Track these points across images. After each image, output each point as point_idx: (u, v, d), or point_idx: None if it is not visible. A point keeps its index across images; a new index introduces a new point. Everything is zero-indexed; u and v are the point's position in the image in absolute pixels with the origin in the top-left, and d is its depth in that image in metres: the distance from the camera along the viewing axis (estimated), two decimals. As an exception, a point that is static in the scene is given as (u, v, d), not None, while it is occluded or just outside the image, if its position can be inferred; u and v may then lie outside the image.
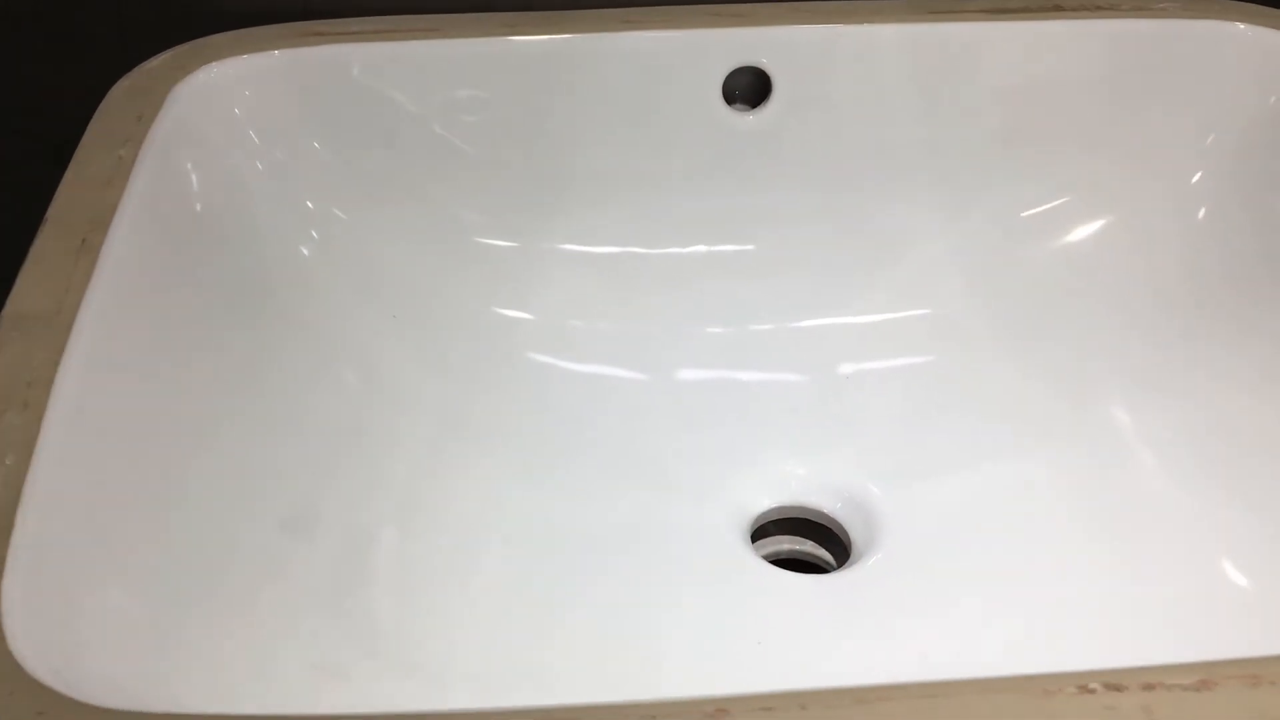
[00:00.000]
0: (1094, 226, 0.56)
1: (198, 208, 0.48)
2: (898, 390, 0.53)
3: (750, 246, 0.56)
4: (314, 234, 0.52)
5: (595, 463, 0.50)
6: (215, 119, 0.50)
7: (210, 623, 0.35)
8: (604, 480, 0.49)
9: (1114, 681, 0.28)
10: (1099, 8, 0.56)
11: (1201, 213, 0.55)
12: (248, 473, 0.41)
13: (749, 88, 0.56)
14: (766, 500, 0.52)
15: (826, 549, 0.53)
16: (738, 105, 0.56)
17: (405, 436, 0.48)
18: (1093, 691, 0.28)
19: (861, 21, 0.55)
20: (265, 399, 0.45)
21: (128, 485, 0.36)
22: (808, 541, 0.53)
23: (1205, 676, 0.29)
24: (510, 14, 0.55)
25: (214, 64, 0.51)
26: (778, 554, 0.52)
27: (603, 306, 0.55)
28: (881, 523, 0.50)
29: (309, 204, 0.52)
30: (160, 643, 0.33)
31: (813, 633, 0.46)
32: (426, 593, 0.42)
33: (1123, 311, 0.54)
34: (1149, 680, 0.28)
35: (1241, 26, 0.55)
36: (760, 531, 0.53)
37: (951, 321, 0.55)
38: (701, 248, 0.56)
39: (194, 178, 0.48)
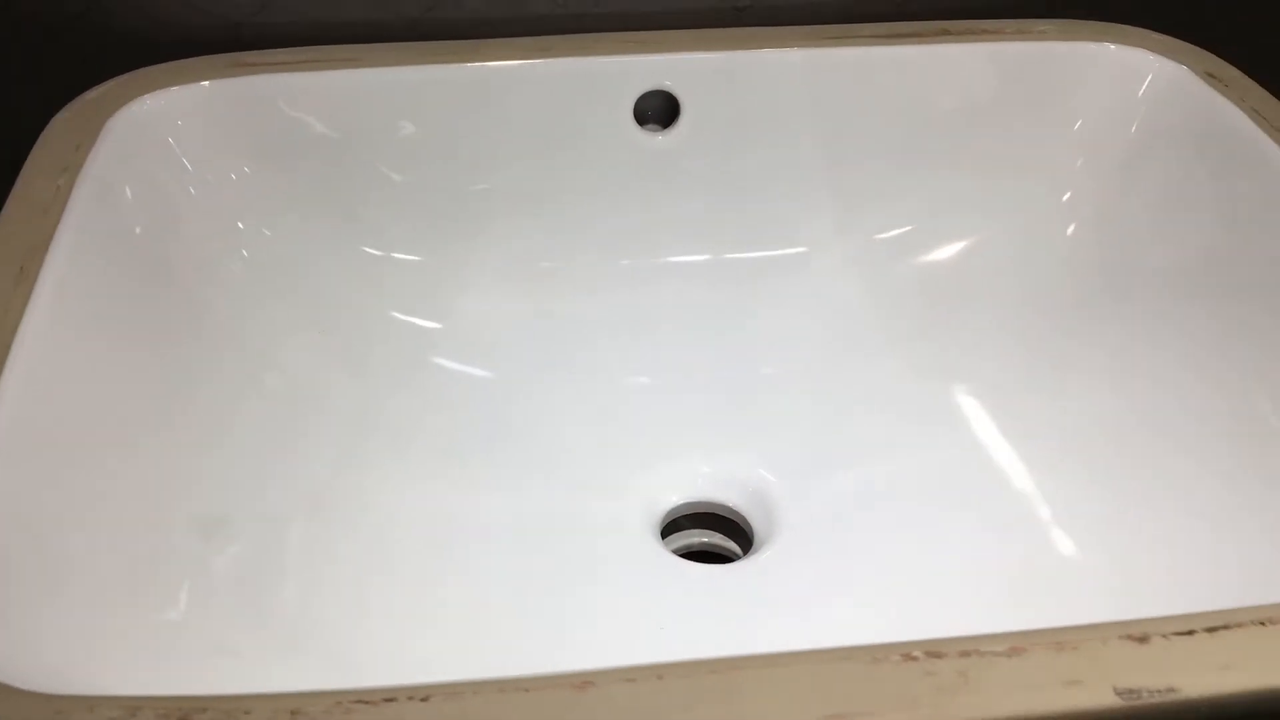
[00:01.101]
0: (976, 238, 0.59)
1: (136, 230, 0.50)
2: (795, 391, 0.56)
3: (660, 257, 0.59)
4: (244, 252, 0.54)
5: (509, 462, 0.52)
6: (150, 147, 0.52)
7: (133, 615, 0.38)
8: (518, 478, 0.52)
9: (935, 650, 0.32)
10: (984, 32, 0.59)
11: (1071, 229, 0.58)
12: (175, 475, 0.44)
13: (659, 110, 0.58)
14: (675, 496, 0.55)
15: (735, 541, 0.56)
16: (649, 126, 0.59)
17: (325, 438, 0.50)
18: (915, 659, 0.32)
19: (762, 47, 0.58)
20: (197, 406, 0.47)
21: (62, 493, 0.39)
22: (717, 534, 0.56)
23: (1016, 644, 0.32)
24: (429, 43, 0.57)
25: (148, 95, 0.52)
26: (689, 547, 0.56)
27: (517, 315, 0.57)
28: (780, 515, 0.53)
29: (240, 224, 0.54)
30: (72, 638, 0.36)
31: (712, 617, 0.49)
32: (338, 583, 0.45)
33: (1000, 317, 0.57)
34: (966, 648, 0.32)
35: (1112, 47, 0.58)
36: (673, 525, 0.56)
37: (845, 326, 0.58)
38: (614, 259, 0.59)
39: (131, 202, 0.50)
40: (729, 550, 0.55)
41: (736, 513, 0.54)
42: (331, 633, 0.42)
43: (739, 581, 0.51)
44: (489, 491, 0.51)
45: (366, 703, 0.30)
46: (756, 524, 0.54)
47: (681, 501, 0.55)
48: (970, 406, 0.55)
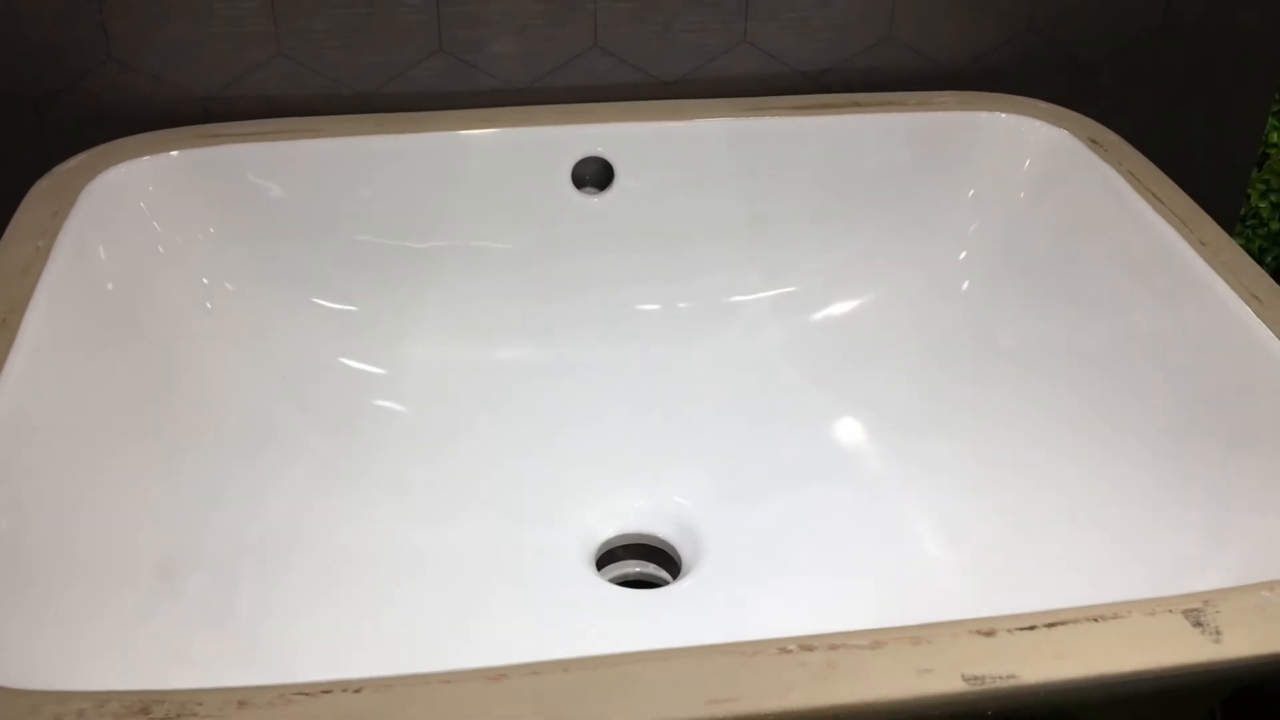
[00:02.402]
0: (883, 291, 0.64)
1: (109, 287, 0.54)
2: (719, 430, 0.61)
3: (594, 308, 0.63)
4: (208, 304, 0.58)
5: (450, 496, 0.57)
6: (123, 212, 0.56)
7: (91, 627, 0.42)
8: (457, 512, 0.56)
9: (806, 644, 0.36)
10: (890, 104, 0.65)
11: (965, 285, 0.63)
12: (142, 502, 0.48)
13: (595, 174, 0.63)
14: (610, 529, 0.59)
15: (666, 569, 0.60)
16: (586, 189, 0.64)
17: (279, 472, 0.54)
18: (789, 652, 0.36)
19: (690, 118, 0.63)
20: (163, 441, 0.51)
21: (41, 519, 0.43)
22: (650, 564, 0.60)
23: (878, 638, 0.37)
24: (383, 115, 0.62)
25: (122, 164, 0.57)
26: (624, 576, 0.60)
27: (461, 361, 0.61)
28: (706, 544, 0.57)
29: (204, 279, 0.58)
30: (47, 639, 0.40)
31: (640, 636, 0.53)
32: (287, 603, 0.49)
33: (903, 362, 0.62)
34: (834, 642, 0.36)
35: (1003, 116, 0.64)
36: (609, 556, 0.60)
37: (766, 370, 0.62)
38: (552, 310, 0.63)
39: (104, 262, 0.54)
40: (660, 578, 0.59)
41: (666, 543, 0.59)
42: (276, 648, 0.46)
43: (665, 604, 0.55)
44: (430, 524, 0.55)
45: (306, 694, 0.34)
46: (684, 552, 0.58)
47: (615, 533, 0.59)
48: (868, 445, 0.59)
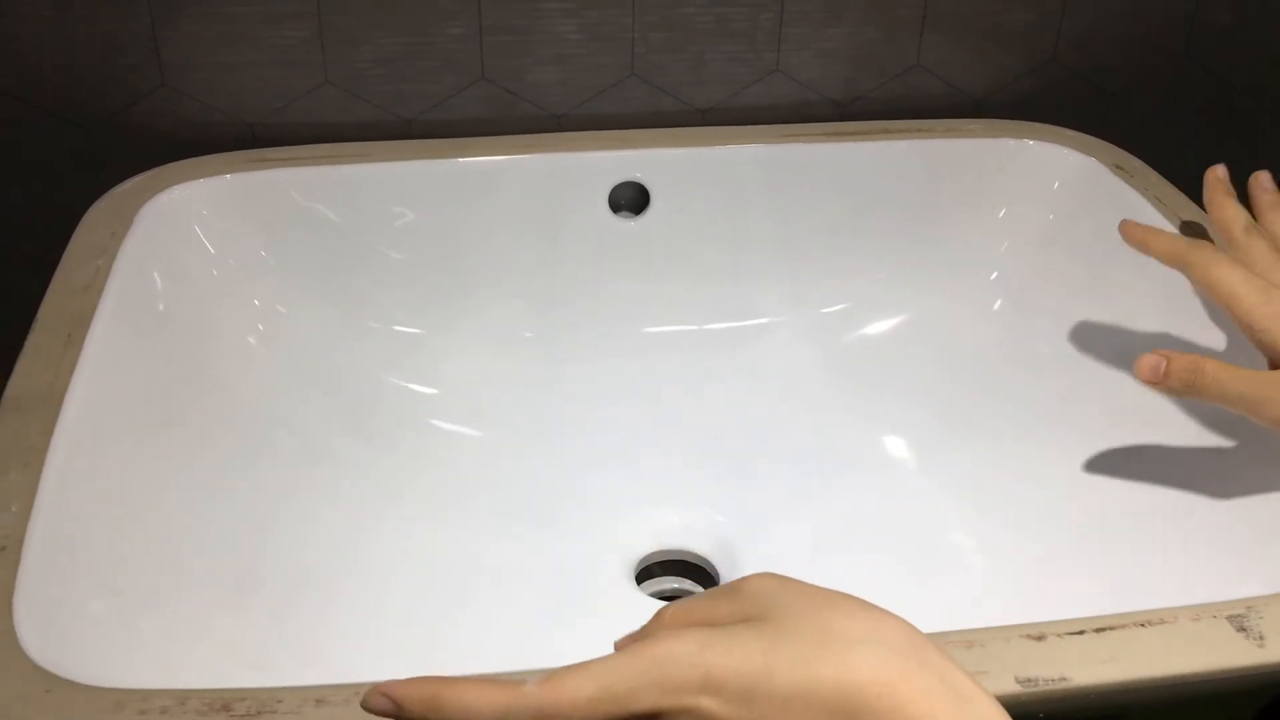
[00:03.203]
0: (914, 312, 0.66)
1: (161, 307, 0.56)
2: (754, 448, 0.62)
3: (631, 329, 0.65)
4: (260, 326, 0.59)
5: (495, 512, 0.58)
6: (177, 233, 0.58)
7: (167, 632, 0.43)
8: (503, 528, 0.57)
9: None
10: (920, 130, 0.67)
11: (997, 304, 0.65)
12: (200, 517, 0.49)
13: (631, 199, 0.65)
14: (648, 544, 0.60)
15: (703, 585, 0.61)
16: (622, 213, 0.65)
17: (331, 491, 0.55)
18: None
19: (723, 144, 0.65)
20: (217, 456, 0.52)
21: (105, 525, 0.44)
22: (687, 580, 0.61)
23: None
24: (426, 141, 0.64)
25: (175, 187, 0.59)
26: (662, 591, 0.60)
27: (505, 382, 0.63)
28: (743, 560, 0.58)
29: (256, 301, 0.60)
30: (126, 643, 0.41)
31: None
32: (344, 615, 0.50)
33: (934, 379, 0.63)
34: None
35: (1031, 143, 0.66)
36: (646, 572, 0.61)
37: (798, 389, 0.63)
38: (590, 331, 0.64)
39: (159, 282, 0.56)
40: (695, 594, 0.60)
41: (703, 559, 0.60)
42: (339, 654, 0.47)
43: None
44: (477, 539, 0.56)
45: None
46: (721, 568, 0.59)
47: (654, 549, 0.60)
48: (903, 460, 0.60)
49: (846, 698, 0.30)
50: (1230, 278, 0.47)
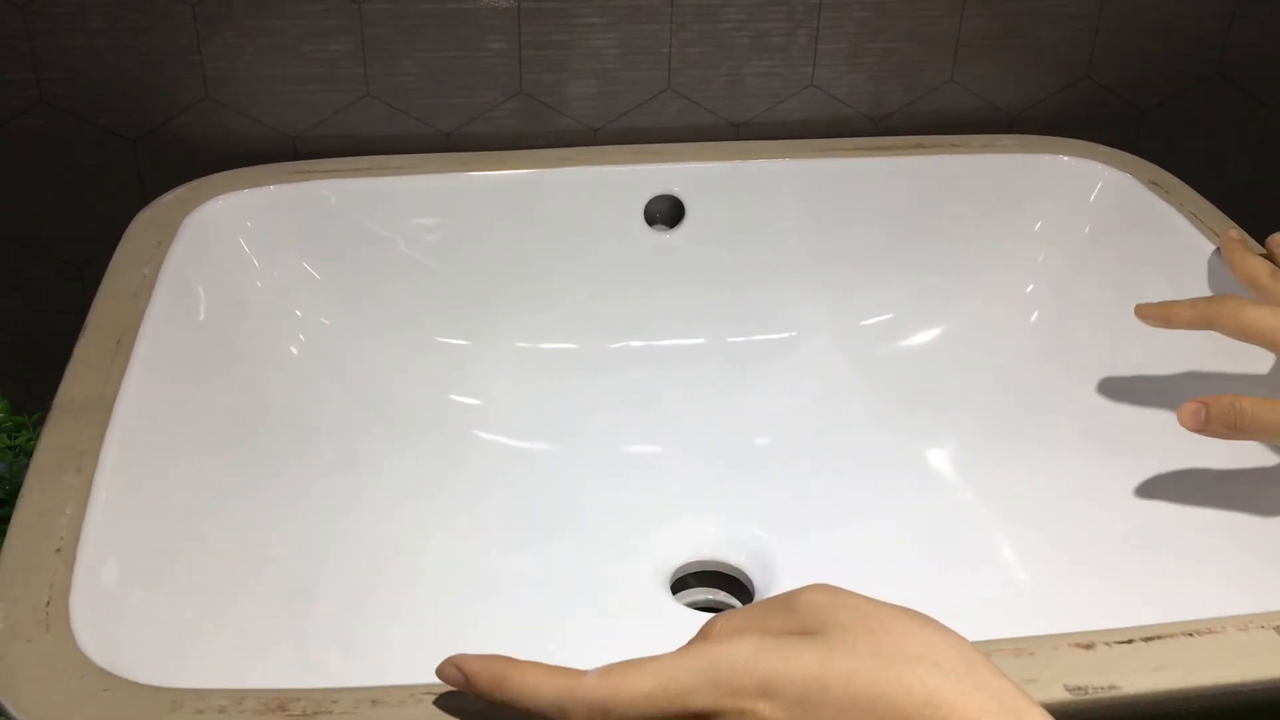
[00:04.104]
0: (950, 325, 0.66)
1: (205, 316, 0.56)
2: (789, 460, 0.62)
3: (667, 340, 0.65)
4: (301, 337, 0.60)
5: (534, 522, 0.58)
6: (220, 244, 0.59)
7: (221, 634, 0.44)
8: (542, 537, 0.58)
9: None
10: (954, 146, 0.67)
11: (1034, 316, 0.65)
12: (248, 519, 0.49)
13: (667, 212, 0.66)
14: (684, 555, 0.60)
15: (738, 597, 0.61)
16: (657, 226, 0.66)
17: (373, 498, 0.56)
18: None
19: (758, 158, 0.65)
20: (262, 462, 0.53)
21: (158, 528, 0.45)
22: (722, 591, 0.62)
23: (981, 650, 0.38)
24: (466, 154, 0.65)
25: (219, 197, 0.59)
26: (697, 602, 0.61)
27: (544, 392, 0.63)
28: (778, 571, 0.59)
29: (298, 312, 0.61)
30: (180, 643, 0.41)
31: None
32: (394, 616, 0.50)
33: (970, 394, 0.63)
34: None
35: (1065, 159, 0.66)
36: (681, 584, 0.61)
37: (833, 402, 0.64)
38: (627, 342, 0.65)
39: (203, 292, 0.57)
40: (732, 605, 0.61)
41: (739, 570, 0.60)
42: (378, 658, 0.48)
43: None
44: (519, 548, 0.57)
45: (432, 694, 0.36)
46: (757, 580, 0.59)
47: (689, 560, 0.60)
48: (943, 472, 0.61)
49: (902, 717, 0.30)
50: (1263, 317, 0.49)
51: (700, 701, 0.31)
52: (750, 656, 0.32)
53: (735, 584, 0.60)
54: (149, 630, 0.40)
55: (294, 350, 0.60)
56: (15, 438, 0.59)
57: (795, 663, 0.31)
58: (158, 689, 0.36)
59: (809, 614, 0.33)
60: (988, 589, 0.53)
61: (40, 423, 0.49)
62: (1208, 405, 0.47)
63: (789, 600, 0.34)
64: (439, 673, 0.34)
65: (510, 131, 0.67)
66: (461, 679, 0.34)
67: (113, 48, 0.61)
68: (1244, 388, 0.52)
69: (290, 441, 0.55)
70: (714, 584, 0.60)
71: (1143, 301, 0.55)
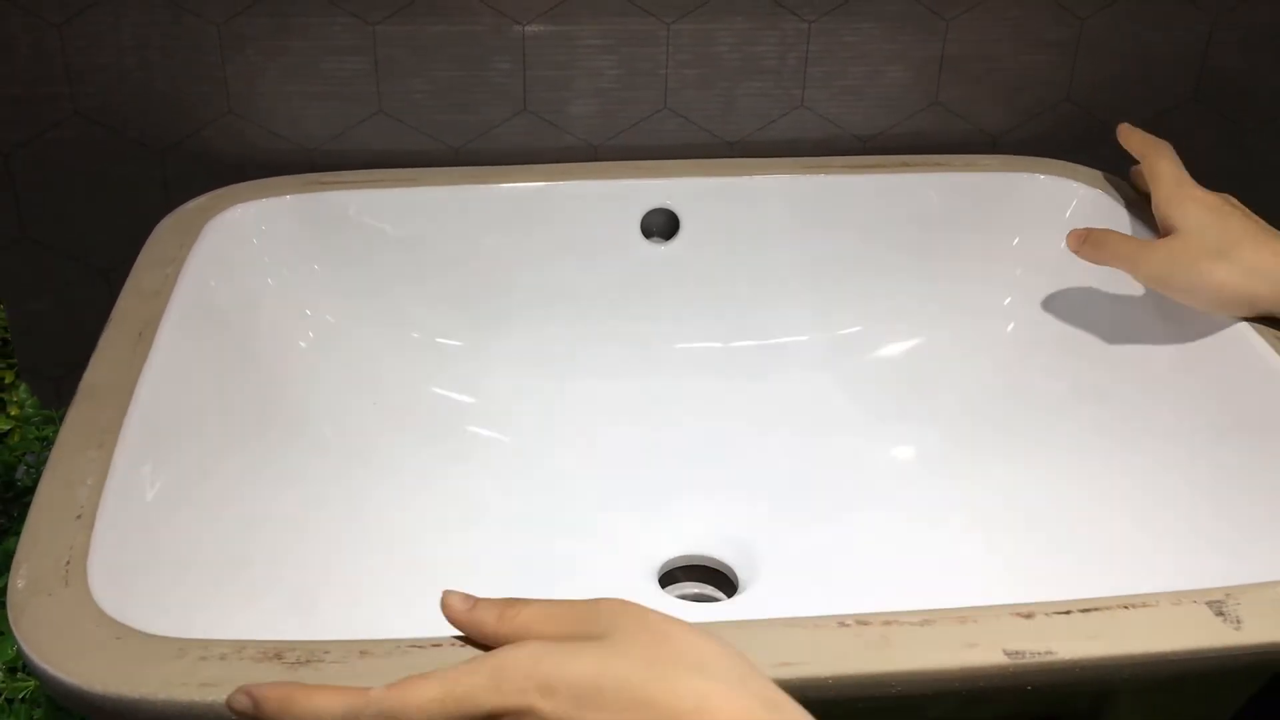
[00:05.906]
0: (931, 335, 0.68)
1: (226, 313, 0.60)
2: (773, 460, 0.65)
3: (659, 348, 0.68)
4: (310, 333, 0.63)
5: (528, 516, 0.61)
6: (239, 247, 0.62)
7: (224, 595, 0.47)
8: (535, 529, 0.60)
9: (863, 619, 0.40)
10: (938, 164, 0.70)
11: (1010, 327, 0.67)
12: (253, 495, 0.53)
13: (662, 225, 0.69)
14: (672, 550, 0.63)
15: (723, 590, 0.63)
16: (653, 239, 0.69)
17: (371, 484, 0.59)
18: (847, 625, 0.40)
19: (751, 174, 0.68)
20: (267, 445, 0.56)
21: (169, 498, 0.48)
22: (708, 585, 0.64)
23: (927, 617, 0.41)
24: (474, 168, 0.68)
25: (239, 205, 0.63)
26: (684, 594, 0.63)
27: (539, 392, 0.66)
28: (762, 565, 0.61)
29: (307, 311, 0.64)
30: (188, 601, 0.44)
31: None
32: (375, 602, 0.53)
33: (951, 399, 0.66)
34: (888, 619, 0.40)
35: (1042, 178, 0.69)
36: (669, 577, 0.64)
37: (817, 406, 0.66)
38: (620, 348, 0.68)
39: (221, 291, 0.60)
40: (718, 598, 0.63)
41: (723, 564, 0.62)
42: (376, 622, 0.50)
43: (724, 616, 0.59)
44: (508, 539, 0.60)
45: (419, 647, 0.39)
46: (741, 573, 0.62)
47: (677, 555, 0.63)
48: (917, 472, 0.63)
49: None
50: (1169, 169, 0.59)
51: (484, 702, 0.34)
52: (531, 660, 0.34)
53: (721, 577, 0.63)
54: (159, 589, 0.43)
55: (302, 344, 0.63)
56: (44, 429, 0.63)
57: (573, 665, 0.34)
58: (165, 638, 0.39)
59: (599, 621, 0.36)
60: (948, 583, 0.55)
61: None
62: (1090, 231, 0.60)
63: (591, 605, 0.37)
64: (229, 702, 0.35)
65: (515, 147, 0.70)
66: (250, 705, 0.34)
67: (142, 64, 0.65)
68: (1208, 405, 0.55)
69: (294, 425, 0.59)
70: (701, 578, 0.63)
71: (1113, 313, 0.58)
